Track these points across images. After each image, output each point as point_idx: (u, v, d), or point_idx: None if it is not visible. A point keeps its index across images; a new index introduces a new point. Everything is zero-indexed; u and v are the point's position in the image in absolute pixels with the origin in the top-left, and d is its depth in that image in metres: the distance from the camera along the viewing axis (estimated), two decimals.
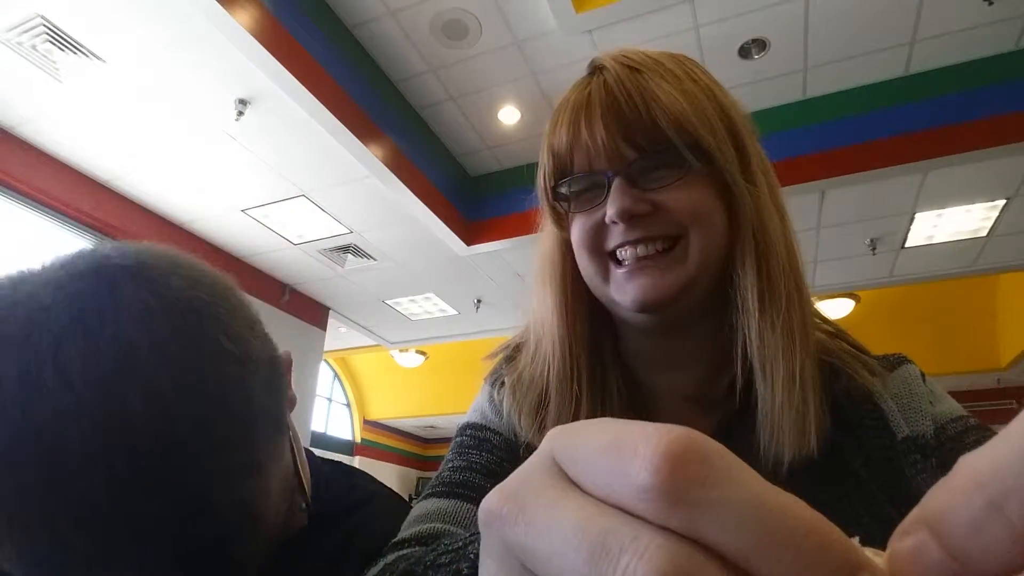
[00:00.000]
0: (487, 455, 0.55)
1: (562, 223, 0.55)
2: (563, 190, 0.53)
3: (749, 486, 0.14)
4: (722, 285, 0.51)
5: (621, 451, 0.15)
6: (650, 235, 0.49)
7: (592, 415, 0.52)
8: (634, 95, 0.48)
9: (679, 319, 0.51)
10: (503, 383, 0.59)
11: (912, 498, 0.45)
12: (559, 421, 0.50)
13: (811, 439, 0.45)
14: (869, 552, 0.14)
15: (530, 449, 0.52)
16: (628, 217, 0.48)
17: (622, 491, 0.15)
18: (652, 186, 0.49)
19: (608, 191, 0.49)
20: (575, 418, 0.50)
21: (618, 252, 0.50)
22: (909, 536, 0.14)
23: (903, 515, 0.43)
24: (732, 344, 0.50)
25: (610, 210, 0.48)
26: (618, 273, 0.50)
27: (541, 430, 0.53)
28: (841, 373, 0.51)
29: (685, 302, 0.49)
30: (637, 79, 0.49)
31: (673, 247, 0.49)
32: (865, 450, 0.48)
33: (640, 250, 0.49)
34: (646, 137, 0.48)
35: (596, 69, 0.53)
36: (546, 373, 0.54)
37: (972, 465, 0.13)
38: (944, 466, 0.45)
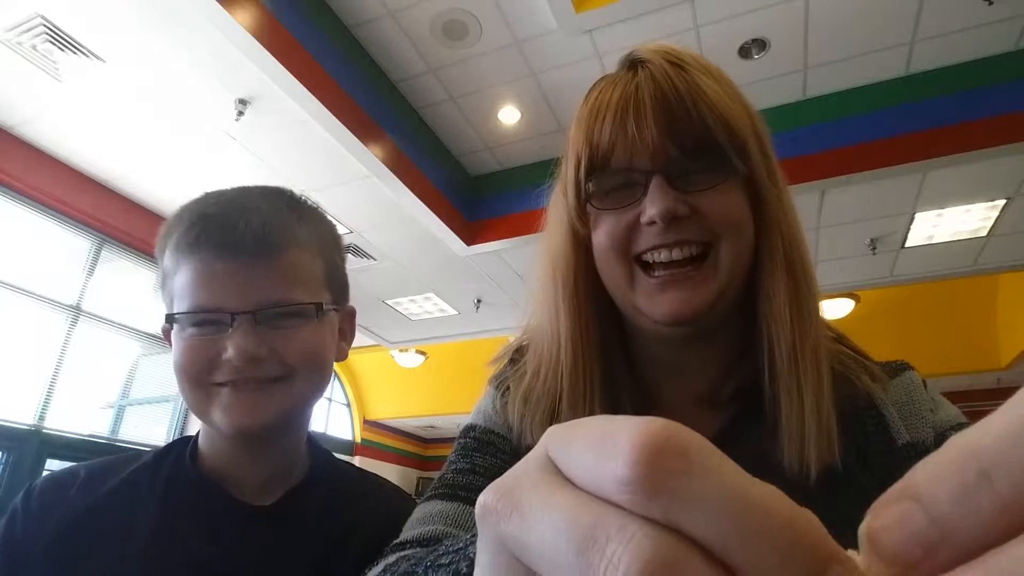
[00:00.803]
0: (491, 458, 0.55)
1: (585, 220, 0.52)
2: (594, 185, 0.51)
3: (726, 478, 0.14)
4: (747, 292, 0.51)
5: (605, 445, 0.15)
6: (685, 239, 0.47)
7: None
8: (682, 92, 0.47)
9: (703, 329, 0.50)
10: (508, 387, 0.58)
11: None
12: None
13: (834, 448, 0.45)
14: (851, 553, 0.14)
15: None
16: (671, 219, 0.46)
17: (606, 483, 0.15)
18: (692, 188, 0.47)
19: (646, 190, 0.47)
20: None
21: (648, 255, 0.48)
22: (892, 505, 0.14)
23: None
24: (750, 350, 0.50)
25: (651, 209, 0.46)
26: (648, 282, 0.48)
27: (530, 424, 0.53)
28: (844, 379, 0.51)
29: (716, 314, 0.49)
30: (684, 76, 0.48)
31: (705, 254, 0.48)
32: (865, 455, 0.48)
33: (675, 253, 0.47)
34: (691, 136, 0.47)
35: (637, 63, 0.51)
36: (558, 380, 0.53)
37: (963, 438, 0.13)
38: None
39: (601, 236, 0.50)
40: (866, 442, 0.48)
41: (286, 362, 0.61)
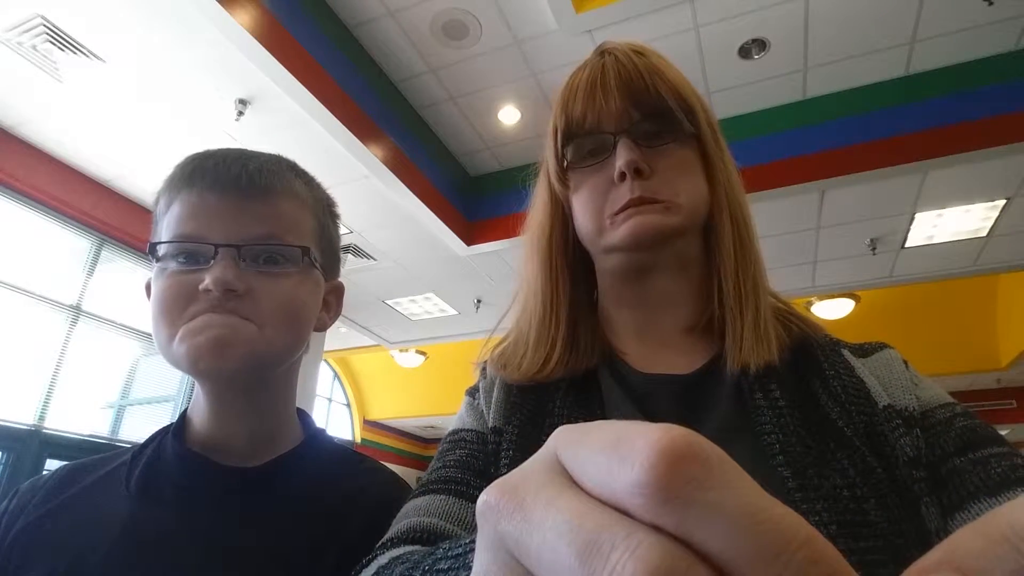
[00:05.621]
0: (460, 451, 0.57)
1: (565, 181, 0.60)
2: (571, 152, 0.59)
3: (746, 493, 0.14)
4: (704, 241, 0.59)
5: (620, 447, 0.15)
6: (651, 197, 0.54)
7: (563, 359, 0.58)
8: (641, 70, 0.56)
9: (670, 259, 0.57)
10: (479, 388, 0.63)
11: (895, 457, 0.46)
12: (534, 361, 0.58)
13: (772, 350, 0.53)
14: None
15: (496, 432, 0.56)
16: (634, 168, 0.54)
17: (618, 487, 0.15)
18: (652, 145, 0.56)
19: (615, 150, 0.56)
20: (547, 361, 0.57)
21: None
22: (938, 574, 0.14)
23: (887, 470, 0.43)
24: (710, 288, 0.58)
25: (619, 162, 0.54)
26: (616, 220, 0.55)
27: (504, 368, 0.60)
28: (791, 324, 0.58)
29: (678, 245, 0.56)
30: (643, 58, 0.58)
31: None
32: (848, 413, 0.49)
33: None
34: (650, 104, 0.56)
35: (605, 52, 0.60)
36: (527, 322, 0.61)
37: (1010, 518, 0.13)
38: (932, 445, 0.47)
39: (581, 195, 0.58)
40: (849, 403, 0.50)
41: (260, 307, 0.59)
